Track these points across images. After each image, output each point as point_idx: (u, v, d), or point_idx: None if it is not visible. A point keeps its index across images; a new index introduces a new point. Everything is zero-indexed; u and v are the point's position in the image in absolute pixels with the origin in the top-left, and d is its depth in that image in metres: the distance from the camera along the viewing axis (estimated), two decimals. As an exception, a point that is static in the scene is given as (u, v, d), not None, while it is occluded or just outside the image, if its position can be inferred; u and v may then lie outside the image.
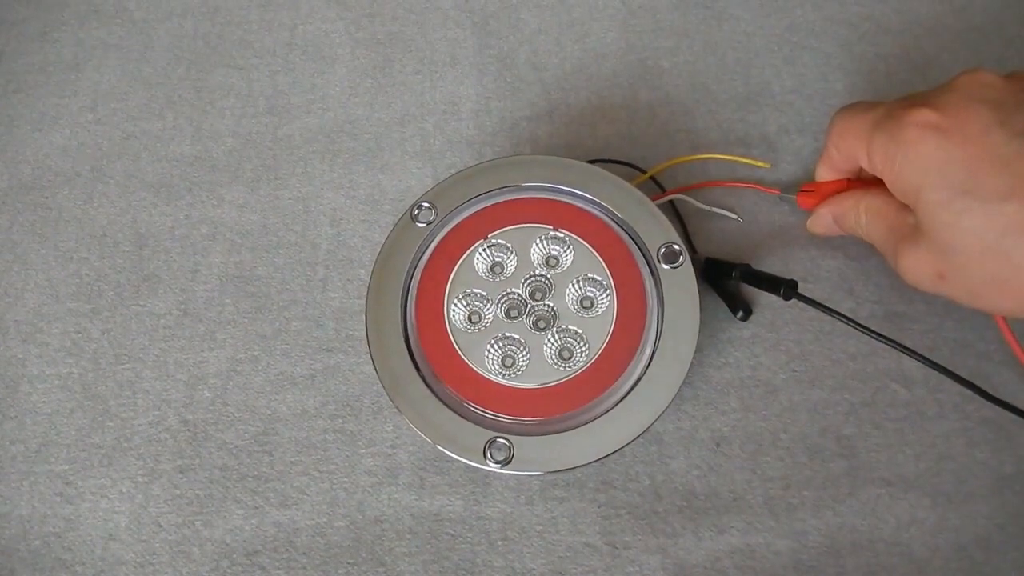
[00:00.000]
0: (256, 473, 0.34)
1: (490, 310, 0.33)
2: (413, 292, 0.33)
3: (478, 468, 0.31)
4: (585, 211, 0.34)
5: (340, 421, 0.35)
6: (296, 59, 0.46)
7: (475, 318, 0.33)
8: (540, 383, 0.32)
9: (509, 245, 0.34)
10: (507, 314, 0.33)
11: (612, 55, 0.44)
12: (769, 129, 0.41)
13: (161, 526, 0.34)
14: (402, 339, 0.32)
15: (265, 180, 0.42)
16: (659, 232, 0.34)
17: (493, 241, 0.34)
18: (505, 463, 0.30)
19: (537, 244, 0.34)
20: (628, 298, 0.33)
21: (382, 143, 0.43)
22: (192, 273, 0.39)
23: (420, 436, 0.31)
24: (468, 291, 0.33)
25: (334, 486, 0.34)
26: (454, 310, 0.33)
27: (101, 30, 0.47)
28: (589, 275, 0.33)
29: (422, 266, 0.34)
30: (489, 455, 0.30)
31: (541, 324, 0.33)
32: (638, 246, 0.34)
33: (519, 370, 0.32)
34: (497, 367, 0.32)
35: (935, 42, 0.43)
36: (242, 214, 0.41)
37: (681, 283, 0.33)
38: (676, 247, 0.33)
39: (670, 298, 0.32)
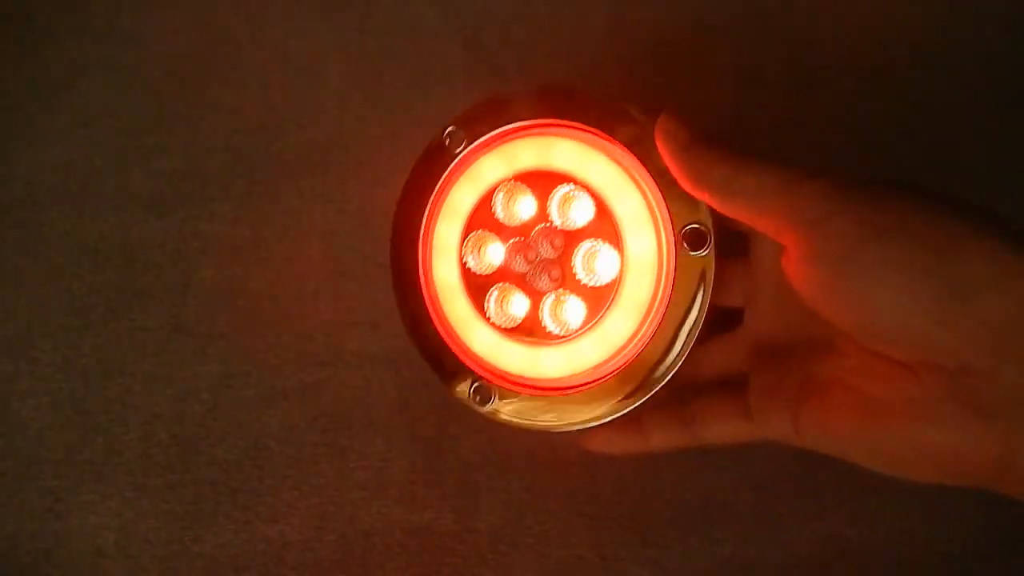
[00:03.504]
0: (246, 488, 0.34)
1: (499, 257, 0.32)
2: (432, 226, 0.33)
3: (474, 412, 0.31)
4: (621, 170, 0.31)
5: (331, 435, 0.35)
6: (288, 74, 0.46)
7: (483, 263, 0.32)
8: (535, 340, 0.32)
9: (530, 192, 0.32)
10: (515, 265, 0.32)
11: (603, 69, 0.44)
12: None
13: (150, 542, 0.33)
14: (417, 272, 0.32)
15: (257, 195, 0.42)
16: (687, 208, 0.29)
17: (514, 184, 0.32)
18: (485, 405, 0.30)
19: (558, 196, 0.32)
20: (638, 275, 0.31)
21: (374, 157, 0.43)
22: (183, 288, 0.39)
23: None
24: (481, 232, 0.32)
25: (324, 500, 0.34)
26: (467, 253, 0.32)
27: (93, 47, 0.47)
28: (602, 242, 0.31)
29: (443, 199, 0.33)
30: (472, 394, 0.30)
31: (547, 283, 0.32)
32: (664, 220, 0.30)
33: (514, 322, 0.32)
34: (495, 316, 0.32)
35: (919, 56, 0.43)
36: (233, 228, 0.41)
37: (699, 272, 0.29)
38: (702, 230, 0.29)
39: (682, 285, 0.29)
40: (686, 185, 0.28)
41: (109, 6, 0.49)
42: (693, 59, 0.44)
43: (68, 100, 0.46)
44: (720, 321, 0.34)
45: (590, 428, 0.30)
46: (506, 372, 0.32)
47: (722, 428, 0.30)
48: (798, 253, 0.25)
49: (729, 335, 0.32)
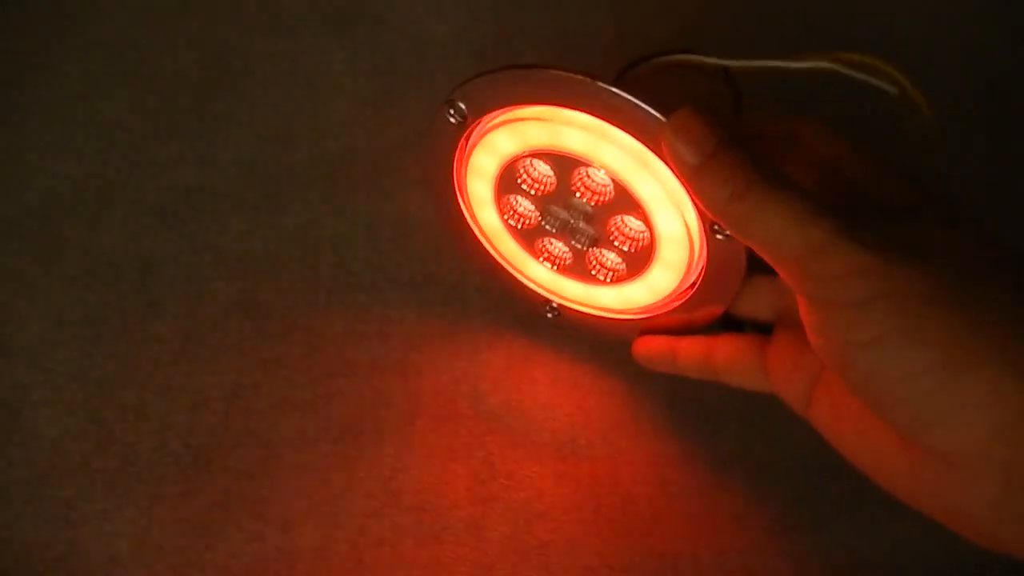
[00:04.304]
0: (258, 497, 0.35)
1: (534, 217, 0.34)
2: (464, 181, 0.34)
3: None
4: (636, 160, 0.29)
5: (342, 445, 0.36)
6: (298, 88, 0.46)
7: (519, 222, 0.34)
8: (588, 280, 0.34)
9: (550, 168, 0.31)
10: (548, 225, 0.33)
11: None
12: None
13: (164, 550, 0.34)
14: (462, 216, 0.36)
15: (267, 207, 0.43)
16: None
17: (533, 162, 0.32)
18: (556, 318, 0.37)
19: (577, 174, 0.31)
20: (670, 243, 0.30)
21: (383, 170, 0.43)
22: (195, 299, 0.40)
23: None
24: (509, 196, 0.34)
25: (335, 510, 0.34)
26: (503, 212, 0.34)
27: (106, 61, 0.48)
28: (629, 221, 0.32)
29: (466, 162, 0.34)
30: (550, 312, 0.37)
31: (581, 242, 0.33)
32: (689, 204, 0.29)
33: (564, 262, 0.35)
34: (544, 258, 0.35)
35: (921, 62, 0.44)
36: (245, 241, 0.42)
37: (731, 254, 0.28)
38: None
39: (714, 264, 0.29)
40: (702, 208, 0.26)
41: (123, 21, 0.49)
42: (700, 72, 0.45)
43: (83, 114, 0.46)
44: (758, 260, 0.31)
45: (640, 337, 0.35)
46: (566, 298, 0.36)
47: (740, 378, 0.32)
48: (811, 319, 0.24)
49: (764, 280, 0.31)
